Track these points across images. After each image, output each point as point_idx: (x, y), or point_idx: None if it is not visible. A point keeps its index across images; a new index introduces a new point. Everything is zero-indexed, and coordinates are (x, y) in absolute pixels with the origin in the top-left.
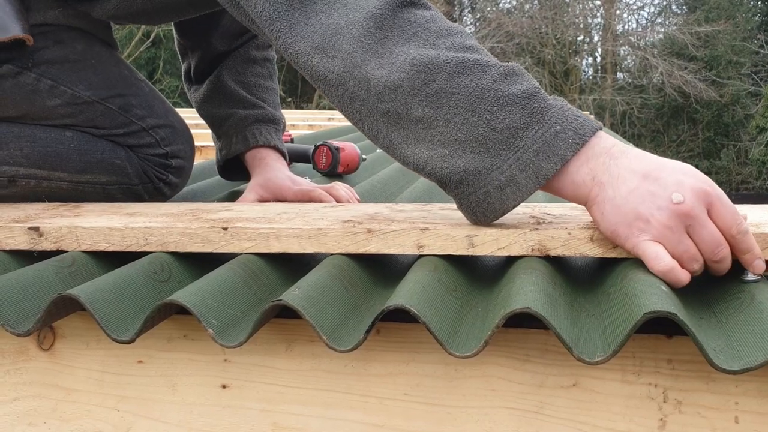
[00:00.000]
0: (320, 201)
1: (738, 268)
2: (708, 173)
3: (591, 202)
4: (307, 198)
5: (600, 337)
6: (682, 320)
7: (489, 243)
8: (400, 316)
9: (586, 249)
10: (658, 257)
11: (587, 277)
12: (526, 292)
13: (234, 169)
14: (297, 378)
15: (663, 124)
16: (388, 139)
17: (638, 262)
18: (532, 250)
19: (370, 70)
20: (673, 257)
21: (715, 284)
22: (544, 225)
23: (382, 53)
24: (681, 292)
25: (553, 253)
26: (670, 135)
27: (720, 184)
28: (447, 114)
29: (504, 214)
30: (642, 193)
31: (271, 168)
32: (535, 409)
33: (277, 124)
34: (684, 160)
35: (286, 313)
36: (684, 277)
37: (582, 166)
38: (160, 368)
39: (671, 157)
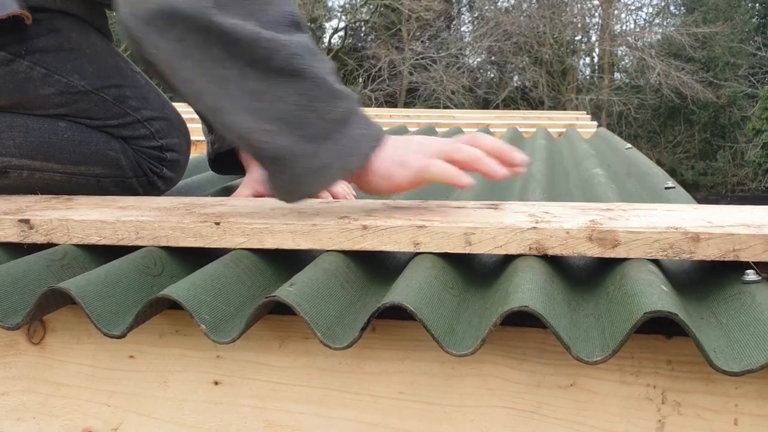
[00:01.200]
0: (319, 198)
1: (737, 269)
2: (704, 174)
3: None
4: None
5: (599, 336)
6: (683, 320)
7: (486, 241)
8: (396, 313)
9: (584, 248)
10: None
11: (585, 276)
12: (524, 290)
13: (226, 163)
14: (290, 375)
15: (660, 125)
16: (214, 103)
17: (638, 263)
18: (530, 248)
19: (218, 24)
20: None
21: (715, 285)
22: (542, 224)
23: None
24: (681, 292)
25: (550, 252)
26: (667, 136)
27: (716, 185)
28: (280, 93)
29: (309, 196)
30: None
31: None
32: (532, 409)
33: None
34: (680, 161)
35: (280, 309)
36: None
37: (375, 160)
38: (152, 363)
39: (667, 158)
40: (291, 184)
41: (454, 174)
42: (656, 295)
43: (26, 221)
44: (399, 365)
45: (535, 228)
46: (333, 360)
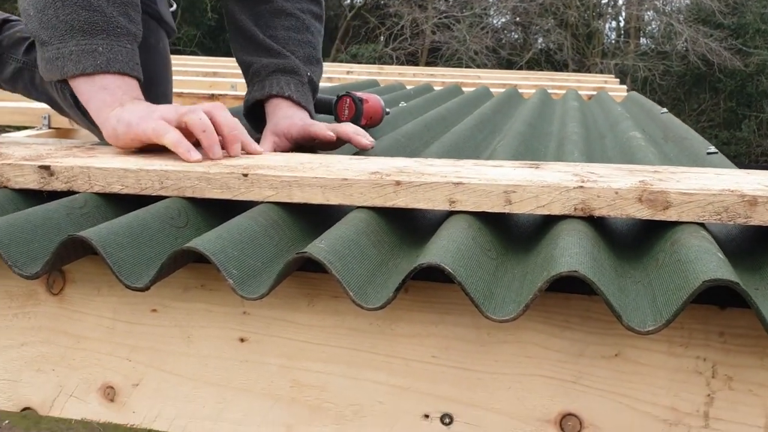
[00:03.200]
0: (317, 136)
1: None
2: (727, 144)
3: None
4: (307, 133)
5: (649, 305)
6: (745, 290)
7: (528, 200)
8: (430, 274)
9: (633, 210)
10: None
11: (630, 240)
12: (572, 254)
13: (260, 117)
14: (319, 334)
15: (684, 93)
16: None
17: (690, 228)
18: (575, 209)
19: None
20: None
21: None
22: (589, 183)
23: None
24: (732, 261)
25: (597, 213)
26: (691, 104)
27: (739, 155)
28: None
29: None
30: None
31: (283, 113)
32: (573, 379)
33: (301, 75)
34: (703, 129)
35: (309, 266)
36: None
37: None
38: (175, 318)
39: (691, 126)
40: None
41: (184, 148)
42: (714, 263)
43: (47, 168)
44: (432, 328)
45: (581, 187)
46: (363, 320)
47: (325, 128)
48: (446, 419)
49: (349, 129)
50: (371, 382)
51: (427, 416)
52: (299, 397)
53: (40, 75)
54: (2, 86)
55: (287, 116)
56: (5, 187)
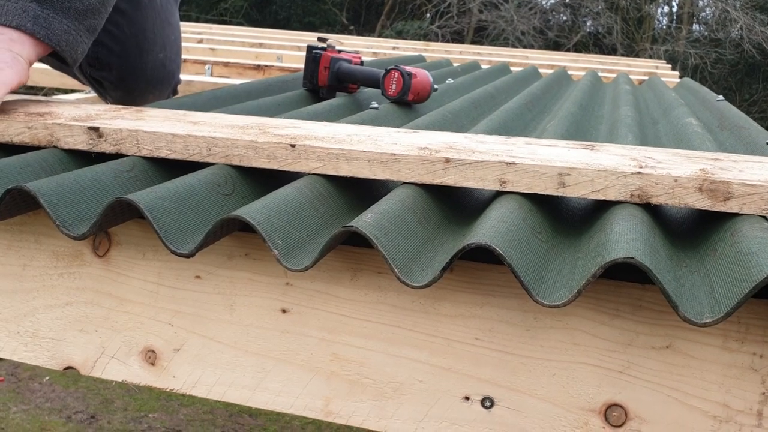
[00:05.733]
0: None
1: None
2: None
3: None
4: None
5: (706, 296)
6: None
7: (583, 184)
8: (476, 255)
9: (692, 199)
10: None
11: (685, 229)
12: (628, 240)
13: None
14: (360, 309)
15: (736, 82)
16: None
17: (751, 219)
18: (632, 195)
19: None
20: None
21: None
22: (647, 169)
23: None
24: None
25: (654, 201)
26: (743, 94)
27: None
28: None
29: None
30: None
31: None
32: (621, 369)
33: None
34: (755, 120)
35: (353, 240)
36: None
37: None
38: (219, 286)
39: None
40: None
41: None
42: None
43: (95, 129)
44: (477, 310)
45: (639, 173)
46: (406, 298)
47: None
48: (487, 402)
49: None
50: (412, 360)
51: (467, 398)
52: (338, 371)
53: None
54: None
55: None
56: (55, 146)
